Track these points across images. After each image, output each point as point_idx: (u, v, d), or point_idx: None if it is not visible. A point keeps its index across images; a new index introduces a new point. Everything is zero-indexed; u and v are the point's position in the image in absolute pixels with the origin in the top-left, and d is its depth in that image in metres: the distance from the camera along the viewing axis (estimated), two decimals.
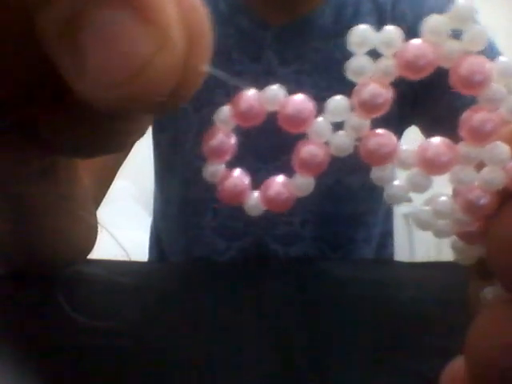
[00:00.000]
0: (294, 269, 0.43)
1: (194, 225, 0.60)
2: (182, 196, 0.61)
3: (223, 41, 0.55)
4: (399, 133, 0.62)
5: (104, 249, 0.39)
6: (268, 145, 0.54)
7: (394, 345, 0.26)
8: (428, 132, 0.59)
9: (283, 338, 0.27)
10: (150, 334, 0.27)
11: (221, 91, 0.47)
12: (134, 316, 0.29)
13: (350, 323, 0.30)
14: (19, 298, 0.31)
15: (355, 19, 0.55)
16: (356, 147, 0.14)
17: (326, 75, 0.55)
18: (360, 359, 0.25)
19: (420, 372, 0.23)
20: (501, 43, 0.56)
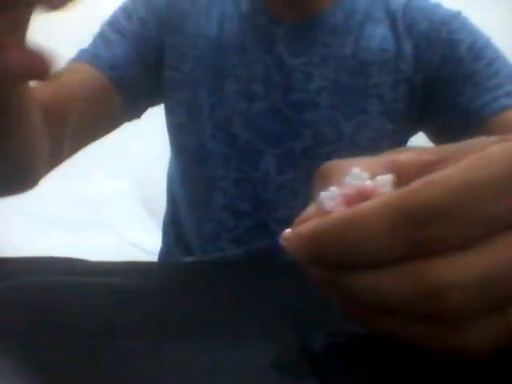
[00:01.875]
0: (293, 269, 0.43)
1: (205, 202, 0.65)
2: (194, 175, 0.66)
3: (240, 36, 0.61)
4: (406, 135, 0.65)
5: (104, 248, 0.39)
6: (274, 129, 0.58)
7: (394, 343, 0.26)
8: (437, 137, 0.61)
9: (283, 338, 0.27)
10: (149, 333, 0.27)
11: (231, 79, 0.53)
12: (134, 316, 0.29)
13: (350, 323, 0.30)
14: (19, 298, 0.31)
15: (368, 22, 0.58)
16: None
17: (333, 68, 0.58)
18: (360, 359, 0.25)
19: (420, 371, 0.23)
20: (501, 43, 0.56)
